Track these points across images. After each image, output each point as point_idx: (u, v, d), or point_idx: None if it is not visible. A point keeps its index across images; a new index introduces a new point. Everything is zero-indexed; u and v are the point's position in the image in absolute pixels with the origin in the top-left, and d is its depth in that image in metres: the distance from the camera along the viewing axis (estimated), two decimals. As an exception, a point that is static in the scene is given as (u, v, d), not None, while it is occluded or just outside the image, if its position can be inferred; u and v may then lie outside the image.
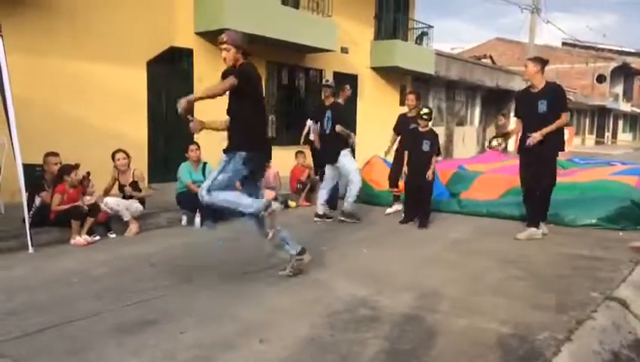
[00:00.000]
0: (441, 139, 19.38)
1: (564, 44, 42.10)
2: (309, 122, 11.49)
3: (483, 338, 3.36)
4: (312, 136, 11.34)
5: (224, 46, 4.35)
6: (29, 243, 5.41)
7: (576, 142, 37.07)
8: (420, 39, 17.64)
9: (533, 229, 6.48)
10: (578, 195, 7.92)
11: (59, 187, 6.00)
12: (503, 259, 5.47)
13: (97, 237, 5.98)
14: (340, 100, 7.93)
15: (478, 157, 14.89)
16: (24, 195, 5.56)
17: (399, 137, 8.35)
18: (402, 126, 8.28)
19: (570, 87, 34.32)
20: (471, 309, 3.90)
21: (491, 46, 38.67)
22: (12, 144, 5.49)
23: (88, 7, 8.70)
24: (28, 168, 5.74)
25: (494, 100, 23.73)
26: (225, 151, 4.47)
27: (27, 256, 5.33)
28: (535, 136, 6.09)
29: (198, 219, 7.08)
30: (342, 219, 7.56)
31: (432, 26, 17.85)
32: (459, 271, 4.98)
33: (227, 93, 4.38)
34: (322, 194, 7.74)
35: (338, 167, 7.58)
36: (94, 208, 6.02)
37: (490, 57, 29.30)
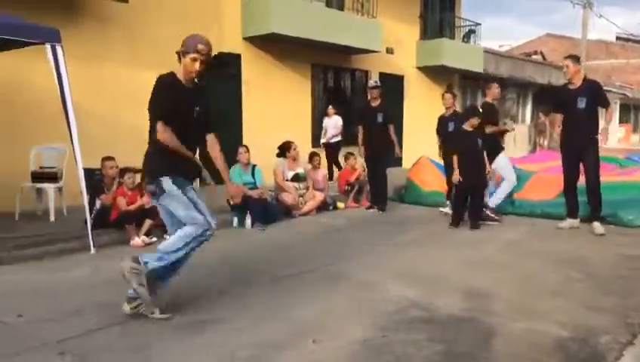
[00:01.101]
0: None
1: (618, 38, 40.50)
2: (325, 122, 11.52)
3: (541, 342, 3.29)
4: (322, 139, 11.39)
5: (204, 58, 3.74)
6: (91, 244, 5.63)
7: (634, 139, 35.61)
8: (467, 37, 17.38)
9: (573, 220, 6.91)
10: (637, 194, 7.62)
11: (119, 190, 6.24)
12: (559, 259, 5.33)
13: (154, 239, 6.16)
14: (489, 99, 7.71)
15: (530, 156, 14.53)
16: (85, 198, 5.79)
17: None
18: (442, 127, 8.21)
19: (625, 82, 33.01)
20: (527, 311, 3.82)
21: (542, 42, 37.62)
22: (73, 149, 5.72)
23: (142, 17, 8.98)
24: (88, 172, 5.97)
25: (547, 97, 23.11)
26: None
27: (89, 256, 5.54)
28: (605, 137, 6.57)
29: (248, 221, 7.20)
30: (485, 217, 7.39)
31: (479, 24, 17.58)
32: (513, 273, 4.89)
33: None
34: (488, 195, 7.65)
35: (494, 168, 7.53)
36: (153, 211, 6.20)
37: (541, 53, 28.55)
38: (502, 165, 7.56)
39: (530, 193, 8.25)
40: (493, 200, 7.55)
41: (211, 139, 4.10)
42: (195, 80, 3.81)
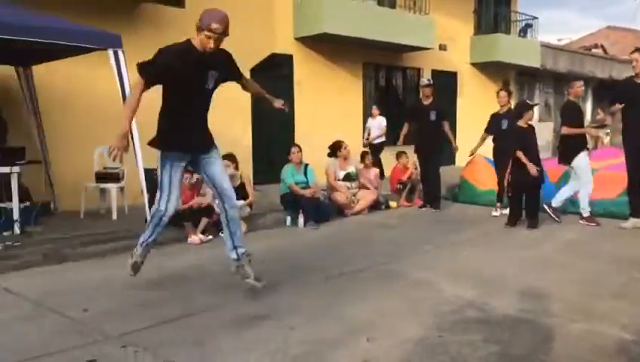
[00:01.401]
0: (550, 136, 18.47)
1: (685, 28, 38.34)
2: (369, 123, 11.34)
3: (603, 344, 3.18)
4: (367, 138, 11.16)
5: (217, 37, 3.75)
6: (150, 241, 5.82)
7: None
8: (523, 32, 16.91)
9: (637, 220, 6.65)
10: None
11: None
12: (621, 260, 5.14)
13: (210, 237, 6.32)
14: (572, 98, 7.40)
15: (591, 153, 13.95)
16: (146, 197, 6.00)
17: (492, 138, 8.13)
18: (495, 125, 8.00)
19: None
20: (588, 313, 3.71)
21: (602, 35, 36.05)
22: (134, 150, 5.94)
23: (195, 23, 9.20)
24: (148, 172, 6.19)
25: (608, 93, 22.20)
26: (213, 147, 4.16)
27: (149, 253, 5.72)
28: None
29: (301, 220, 7.26)
30: (547, 211, 7.19)
31: (536, 17, 17.08)
32: (573, 274, 4.74)
33: (210, 85, 3.95)
34: (562, 193, 7.35)
35: (572, 167, 7.26)
36: (208, 209, 6.37)
37: (602, 47, 27.41)
38: (581, 166, 7.14)
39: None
40: (584, 207, 7.13)
41: (246, 81, 4.29)
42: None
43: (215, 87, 4.04)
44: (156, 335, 3.44)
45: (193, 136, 3.97)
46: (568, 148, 7.19)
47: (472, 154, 8.51)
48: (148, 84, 3.78)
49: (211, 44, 3.75)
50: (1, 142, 6.69)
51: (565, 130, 7.16)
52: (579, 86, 7.41)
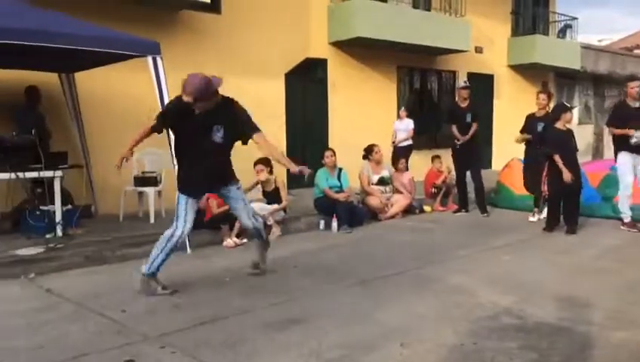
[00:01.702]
0: (590, 139, 18.02)
1: None
2: (396, 125, 11.10)
3: (645, 354, 3.09)
4: (393, 142, 10.86)
5: (196, 103, 4.02)
6: (187, 244, 5.92)
7: None
8: (562, 32, 16.54)
9: None
10: None
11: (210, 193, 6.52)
12: (666, 268, 4.97)
13: (245, 240, 6.39)
14: (628, 99, 7.09)
15: None
16: (182, 201, 6.09)
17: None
18: (530, 127, 7.81)
19: None
20: (629, 321, 3.61)
21: (646, 34, 34.99)
22: (171, 154, 6.05)
23: (232, 27, 9.34)
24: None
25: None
26: (233, 182, 4.47)
27: (186, 256, 5.81)
28: None
29: (334, 224, 7.27)
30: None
31: (576, 18, 16.69)
32: (614, 281, 4.62)
33: (217, 138, 4.20)
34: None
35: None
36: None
37: (644, 47, 26.58)
38: (618, 166, 6.98)
39: (633, 196, 7.71)
40: (624, 212, 6.94)
41: (258, 140, 4.26)
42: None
43: (229, 139, 4.25)
44: (192, 336, 3.50)
45: (204, 181, 4.32)
46: (614, 148, 7.03)
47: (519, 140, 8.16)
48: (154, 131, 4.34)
49: (196, 107, 4.01)
50: (44, 149, 6.92)
51: (609, 132, 7.05)
52: (632, 87, 7.00)
